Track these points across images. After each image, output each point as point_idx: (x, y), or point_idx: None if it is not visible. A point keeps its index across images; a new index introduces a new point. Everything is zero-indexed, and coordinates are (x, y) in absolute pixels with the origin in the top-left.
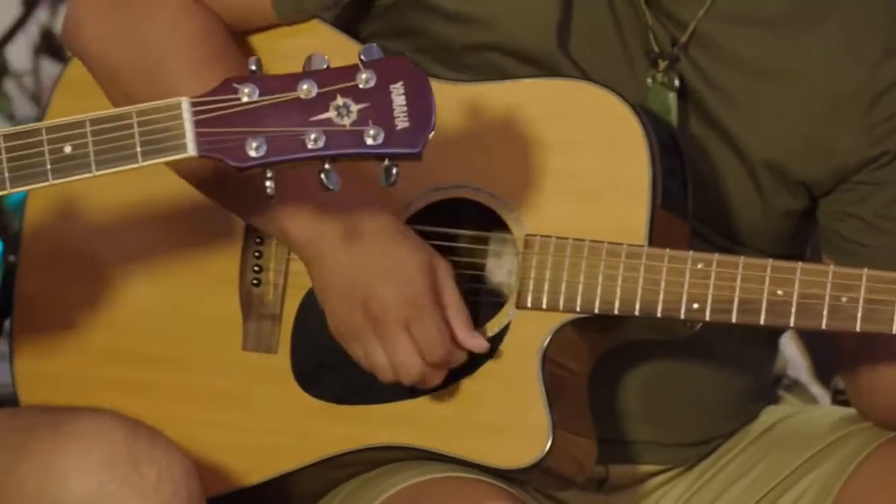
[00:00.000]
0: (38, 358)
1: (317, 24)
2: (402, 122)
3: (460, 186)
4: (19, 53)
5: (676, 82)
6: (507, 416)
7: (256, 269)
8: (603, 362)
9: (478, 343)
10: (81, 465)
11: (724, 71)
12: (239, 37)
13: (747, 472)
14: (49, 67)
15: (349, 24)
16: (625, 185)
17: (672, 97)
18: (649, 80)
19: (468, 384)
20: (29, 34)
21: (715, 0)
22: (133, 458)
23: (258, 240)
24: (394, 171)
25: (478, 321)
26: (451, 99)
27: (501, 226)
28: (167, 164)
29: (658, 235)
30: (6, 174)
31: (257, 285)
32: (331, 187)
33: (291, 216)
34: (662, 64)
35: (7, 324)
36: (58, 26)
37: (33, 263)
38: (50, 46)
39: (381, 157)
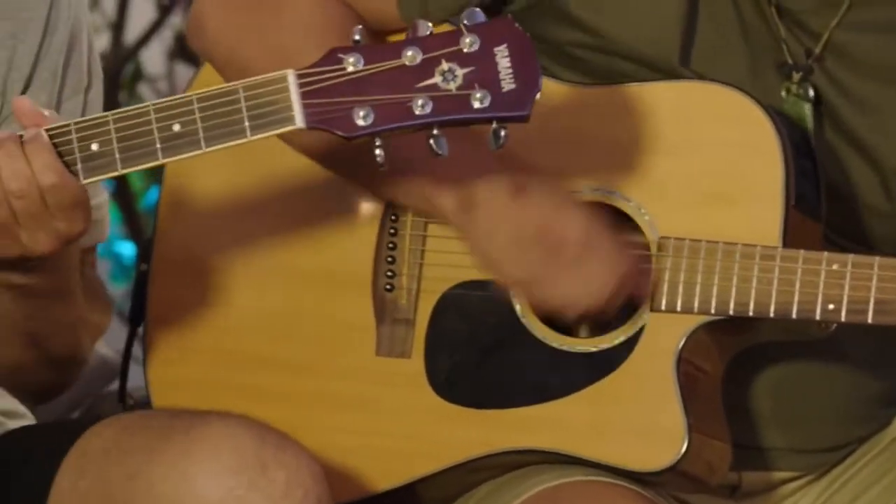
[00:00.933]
0: (170, 364)
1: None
2: (508, 85)
3: (595, 190)
4: (154, 58)
5: (811, 93)
6: (643, 419)
7: (389, 273)
8: (735, 363)
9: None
10: (210, 469)
11: (858, 80)
12: None
13: (879, 479)
14: (183, 72)
15: None
16: (757, 186)
17: (808, 108)
18: (783, 93)
19: (603, 387)
20: (163, 39)
21: (848, 9)
22: (262, 463)
23: (391, 244)
24: (502, 133)
25: (612, 324)
26: (581, 102)
27: (633, 229)
28: (279, 137)
29: (791, 237)
30: (117, 155)
31: (390, 290)
32: (440, 152)
33: (434, 182)
34: (796, 76)
35: (140, 330)
36: None
37: (165, 269)
38: (184, 50)
39: (489, 121)
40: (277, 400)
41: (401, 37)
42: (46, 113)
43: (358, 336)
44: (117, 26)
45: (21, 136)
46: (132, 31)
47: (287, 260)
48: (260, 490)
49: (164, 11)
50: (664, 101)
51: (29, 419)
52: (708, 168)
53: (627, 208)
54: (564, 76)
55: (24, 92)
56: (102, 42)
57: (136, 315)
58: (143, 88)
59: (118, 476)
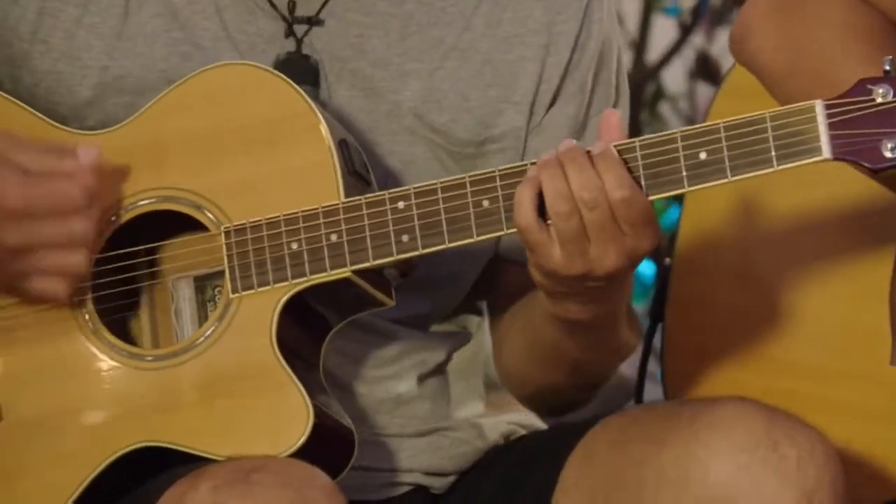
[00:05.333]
0: (689, 361)
1: None
2: None
3: None
4: (675, 77)
5: None
6: None
7: None
8: None
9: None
10: (720, 449)
11: None
12: None
13: None
14: (703, 91)
15: None
16: None
17: None
18: None
19: None
20: (685, 58)
21: None
22: (773, 440)
23: None
24: None
25: None
26: None
27: None
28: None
29: None
30: (643, 182)
31: None
32: None
33: None
34: None
35: (657, 341)
36: (714, 50)
37: (688, 269)
38: (705, 70)
39: None
40: (792, 405)
41: None
42: None
43: (875, 345)
44: (639, 45)
45: (589, 151)
46: (654, 51)
47: (811, 264)
48: (772, 467)
49: (686, 31)
50: None
51: None
52: None
53: None
54: None
55: (551, 105)
56: (625, 61)
57: (657, 310)
58: (663, 108)
59: (626, 464)
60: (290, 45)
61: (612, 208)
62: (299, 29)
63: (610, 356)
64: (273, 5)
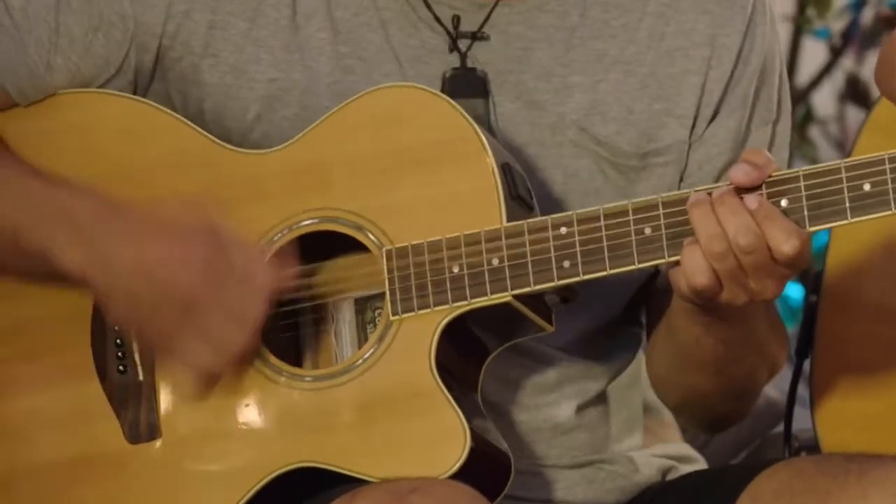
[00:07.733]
0: (839, 397)
1: None
2: None
3: None
4: (824, 100)
5: None
6: None
7: None
8: None
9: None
10: None
11: None
12: None
13: None
14: (854, 114)
15: None
16: None
17: None
18: None
19: None
20: (834, 81)
21: None
22: None
23: None
24: None
25: None
26: None
27: None
28: None
29: None
30: (805, 213)
31: None
32: None
33: None
34: None
35: (807, 365)
36: (864, 72)
37: (836, 303)
38: (855, 93)
39: None
40: None
41: None
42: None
43: None
44: (789, 68)
45: (742, 197)
46: (803, 73)
47: None
48: None
49: (836, 53)
50: None
51: (700, 463)
52: None
53: None
54: None
55: (713, 119)
56: None
57: (804, 347)
58: (813, 131)
59: None
60: (453, 59)
61: (774, 255)
62: (463, 43)
63: (751, 352)
64: (438, 20)
